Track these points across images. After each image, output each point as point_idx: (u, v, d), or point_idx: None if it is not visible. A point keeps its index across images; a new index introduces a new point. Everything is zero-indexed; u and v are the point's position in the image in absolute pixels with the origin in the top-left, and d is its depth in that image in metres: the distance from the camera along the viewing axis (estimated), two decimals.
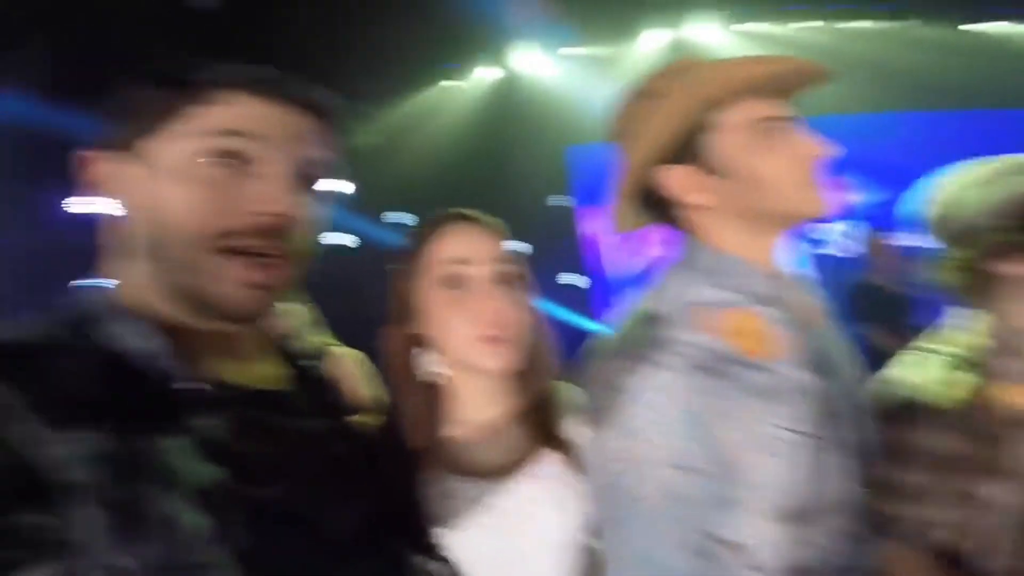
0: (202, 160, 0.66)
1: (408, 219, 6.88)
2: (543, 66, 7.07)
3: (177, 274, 0.67)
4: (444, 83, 7.50)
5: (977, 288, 0.95)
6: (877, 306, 3.73)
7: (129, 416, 0.60)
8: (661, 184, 0.93)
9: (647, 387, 0.79)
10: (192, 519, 0.59)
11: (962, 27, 6.26)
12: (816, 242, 5.73)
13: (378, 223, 6.41)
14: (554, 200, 7.81)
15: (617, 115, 0.99)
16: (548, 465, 0.96)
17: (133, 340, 0.64)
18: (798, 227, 0.94)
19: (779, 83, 0.91)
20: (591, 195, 7.61)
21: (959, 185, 0.97)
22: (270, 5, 5.71)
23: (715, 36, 6.39)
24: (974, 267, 0.94)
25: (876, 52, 6.05)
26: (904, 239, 4.11)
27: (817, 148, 0.89)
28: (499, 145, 7.18)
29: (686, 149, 0.90)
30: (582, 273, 7.68)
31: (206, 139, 0.67)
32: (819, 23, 6.25)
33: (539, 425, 0.99)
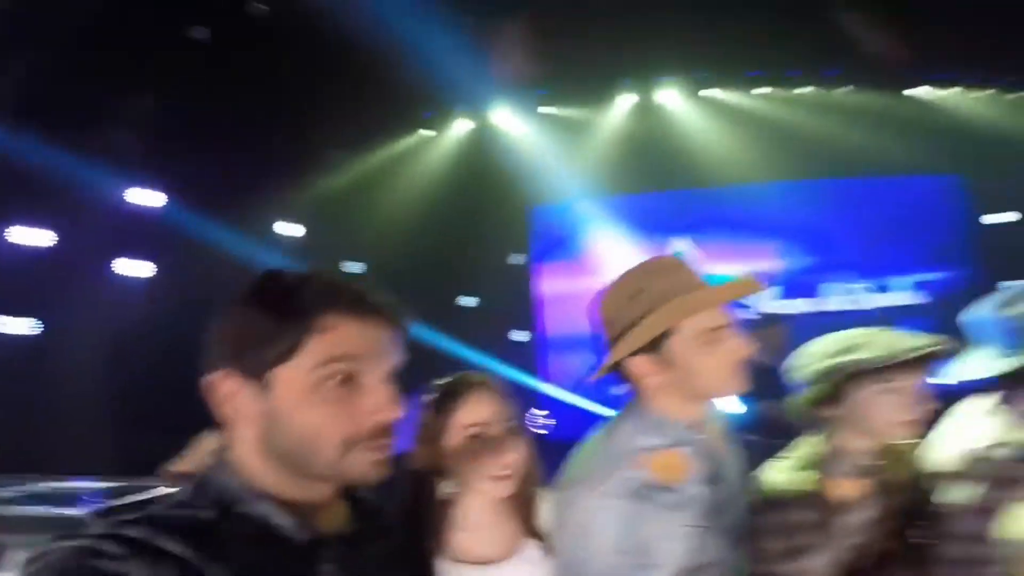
0: (325, 385, 0.79)
1: (362, 268, 6.69)
2: (517, 123, 7.24)
3: (313, 470, 0.81)
4: (422, 132, 7.59)
5: (813, 418, 1.39)
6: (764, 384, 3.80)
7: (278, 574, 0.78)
8: (628, 367, 1.28)
9: (600, 506, 1.18)
10: None
11: (906, 92, 6.71)
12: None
13: (334, 270, 6.34)
14: (513, 258, 7.78)
15: (604, 305, 1.30)
16: (529, 550, 1.32)
17: (268, 516, 0.79)
18: (717, 400, 1.33)
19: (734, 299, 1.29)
20: (548, 253, 7.70)
21: (811, 355, 1.37)
22: (253, 40, 5.53)
23: (679, 103, 7.14)
24: (811, 406, 1.37)
25: (812, 119, 6.59)
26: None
27: (743, 349, 1.25)
28: (468, 198, 7.20)
29: (651, 344, 1.25)
30: (531, 330, 7.48)
31: (326, 367, 0.78)
32: (774, 89, 6.90)
33: (524, 521, 1.33)
